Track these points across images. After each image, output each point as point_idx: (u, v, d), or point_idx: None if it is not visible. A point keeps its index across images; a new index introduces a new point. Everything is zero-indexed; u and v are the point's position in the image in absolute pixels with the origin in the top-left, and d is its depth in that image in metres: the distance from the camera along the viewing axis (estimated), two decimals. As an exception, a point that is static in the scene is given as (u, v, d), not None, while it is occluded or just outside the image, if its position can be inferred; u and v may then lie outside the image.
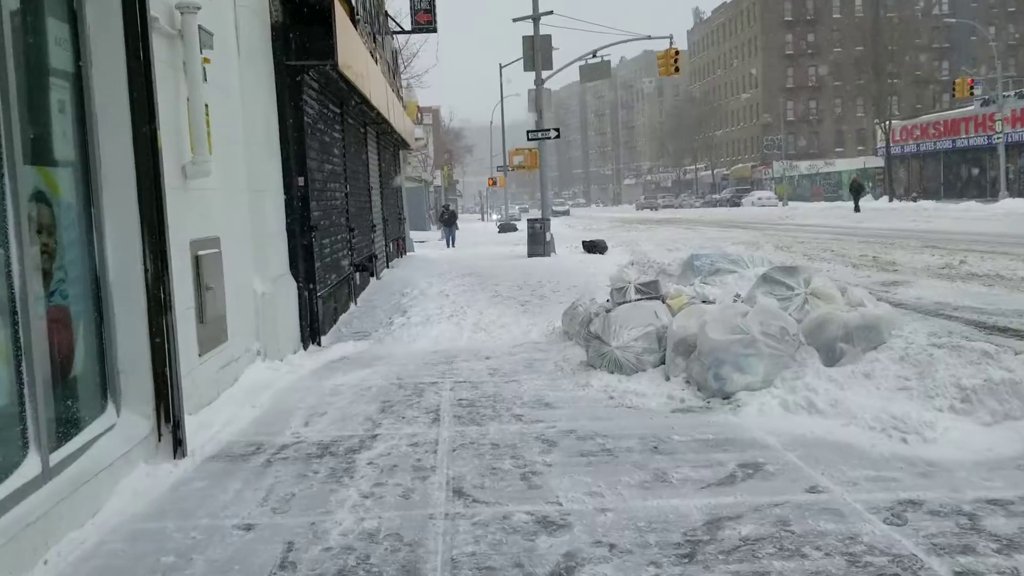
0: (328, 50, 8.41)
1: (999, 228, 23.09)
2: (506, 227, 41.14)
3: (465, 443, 4.97)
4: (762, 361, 5.59)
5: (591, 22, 26.64)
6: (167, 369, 4.65)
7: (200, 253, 5.98)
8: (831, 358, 5.73)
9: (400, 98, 22.62)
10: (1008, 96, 43.26)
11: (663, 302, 7.00)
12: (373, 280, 15.16)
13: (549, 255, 22.07)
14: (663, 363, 6.43)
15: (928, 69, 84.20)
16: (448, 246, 28.97)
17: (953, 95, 43.41)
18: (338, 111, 11.68)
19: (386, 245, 18.10)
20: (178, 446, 4.68)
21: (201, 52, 6.07)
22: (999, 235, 20.42)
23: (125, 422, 4.53)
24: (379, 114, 13.74)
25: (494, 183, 48.47)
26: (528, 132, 23.37)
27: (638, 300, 7.06)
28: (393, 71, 22.30)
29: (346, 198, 11.98)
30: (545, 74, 23.69)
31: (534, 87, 23.45)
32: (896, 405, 5.05)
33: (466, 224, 47.91)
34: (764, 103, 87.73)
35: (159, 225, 4.61)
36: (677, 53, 29.44)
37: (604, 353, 6.54)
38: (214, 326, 6.24)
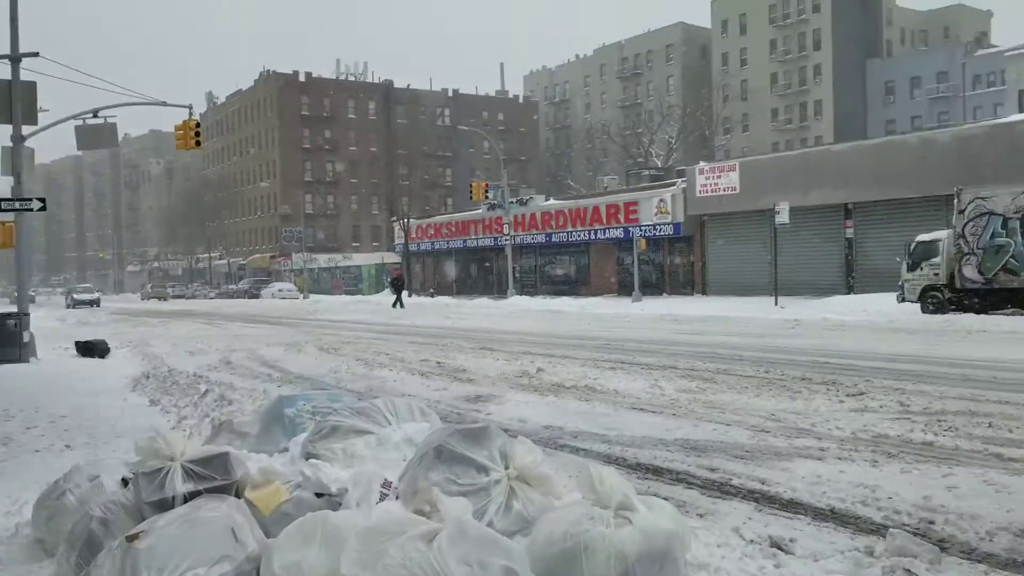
0: None
1: (533, 325, 23.30)
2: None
3: None
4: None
5: (93, 75, 21.89)
6: None
7: None
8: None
9: None
10: (513, 203, 46.94)
11: (239, 496, 3.75)
12: None
13: (27, 360, 16.77)
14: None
15: (435, 174, 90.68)
16: None
17: (471, 197, 45.82)
18: None
19: None
20: None
21: None
22: (541, 334, 20.26)
23: None
24: None
25: (-44, 264, 38.89)
26: (1, 201, 17.87)
27: (193, 495, 3.71)
28: None
29: None
30: (27, 130, 18.57)
31: (10, 144, 18.14)
32: None
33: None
34: (283, 194, 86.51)
35: None
36: (198, 125, 25.96)
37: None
38: None
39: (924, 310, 23.11)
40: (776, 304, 29.09)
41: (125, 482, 4.44)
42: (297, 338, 21.49)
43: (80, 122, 20.64)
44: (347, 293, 68.90)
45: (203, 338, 22.86)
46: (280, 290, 65.04)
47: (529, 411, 9.34)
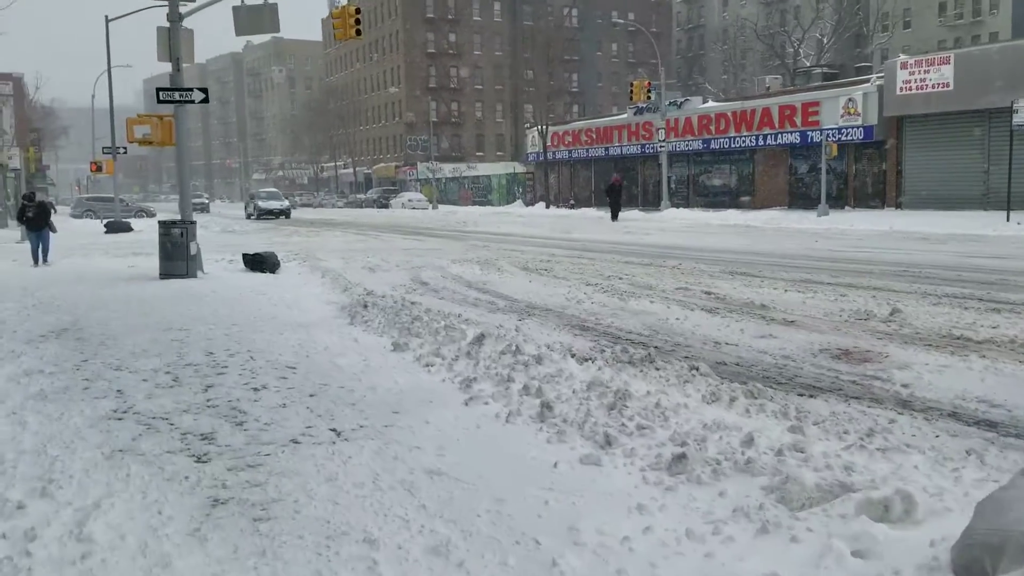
0: None
1: (743, 242, 19.87)
2: (116, 226, 31.58)
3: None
4: None
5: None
6: None
7: None
8: None
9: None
10: (669, 105, 42.75)
11: None
12: None
13: (195, 275, 14.57)
14: None
15: (561, 79, 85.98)
16: (37, 260, 17.95)
17: (630, 98, 41.88)
18: None
19: None
20: None
21: None
22: (772, 253, 16.85)
23: None
24: None
25: (98, 168, 37.89)
26: (159, 90, 15.47)
27: None
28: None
29: None
30: (184, 8, 15.99)
31: (168, 24, 15.60)
32: None
33: (61, 222, 36.36)
34: (407, 101, 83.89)
35: None
36: (358, 12, 23.04)
37: None
38: None
39: None
40: (1008, 220, 24.70)
41: None
42: (477, 254, 18.72)
43: (239, 2, 17.93)
44: (476, 204, 66.37)
45: (369, 251, 20.42)
46: (410, 200, 62.88)
47: (1003, 389, 6.04)
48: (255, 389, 6.11)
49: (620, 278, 13.15)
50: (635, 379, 5.86)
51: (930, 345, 7.44)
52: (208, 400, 5.80)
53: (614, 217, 34.44)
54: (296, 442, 4.83)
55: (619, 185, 36.43)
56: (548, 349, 6.84)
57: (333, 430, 5.07)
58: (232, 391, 6.04)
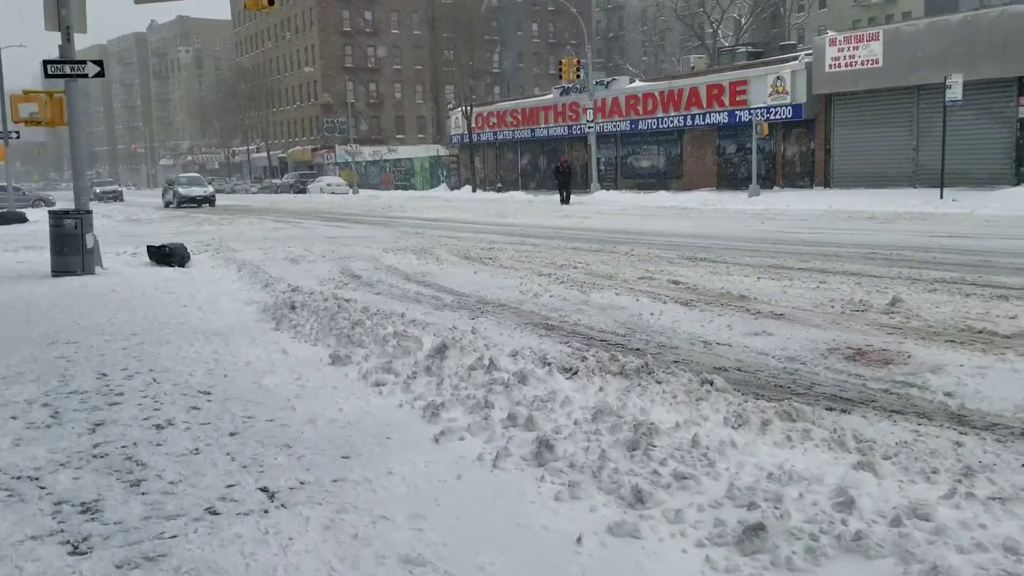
0: None
1: (686, 225, 19.00)
2: (9, 217, 29.03)
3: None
4: None
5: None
6: None
7: None
8: None
9: None
10: (597, 84, 41.81)
11: None
12: None
13: (92, 272, 12.90)
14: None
15: (482, 59, 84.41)
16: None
17: (560, 77, 40.70)
18: None
19: None
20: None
21: None
22: (724, 236, 15.99)
23: None
24: None
25: (-11, 155, 34.85)
26: (46, 63, 13.62)
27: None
28: None
29: None
30: (74, -30, 14.13)
31: (54, -13, 13.74)
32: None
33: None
34: (323, 82, 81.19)
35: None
36: (271, -20, 21.28)
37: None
38: None
39: None
40: (942, 197, 24.54)
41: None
42: (410, 241, 17.40)
43: (136, -34, 16.10)
44: (399, 188, 64.56)
45: (289, 240, 18.89)
46: (329, 184, 60.70)
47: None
48: (158, 427, 4.76)
49: (574, 267, 12.05)
50: (644, 400, 4.72)
51: (952, 341, 6.52)
52: (95, 446, 4.44)
53: (564, 200, 33.19)
54: (214, 513, 3.54)
55: (567, 167, 35.18)
56: (524, 360, 5.66)
57: (264, 490, 3.79)
58: (128, 430, 4.69)
